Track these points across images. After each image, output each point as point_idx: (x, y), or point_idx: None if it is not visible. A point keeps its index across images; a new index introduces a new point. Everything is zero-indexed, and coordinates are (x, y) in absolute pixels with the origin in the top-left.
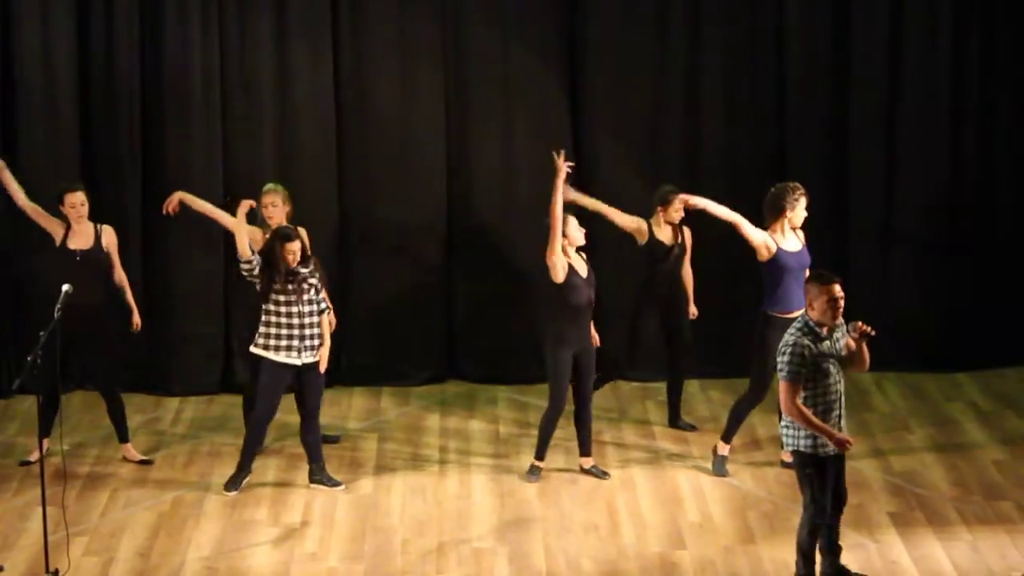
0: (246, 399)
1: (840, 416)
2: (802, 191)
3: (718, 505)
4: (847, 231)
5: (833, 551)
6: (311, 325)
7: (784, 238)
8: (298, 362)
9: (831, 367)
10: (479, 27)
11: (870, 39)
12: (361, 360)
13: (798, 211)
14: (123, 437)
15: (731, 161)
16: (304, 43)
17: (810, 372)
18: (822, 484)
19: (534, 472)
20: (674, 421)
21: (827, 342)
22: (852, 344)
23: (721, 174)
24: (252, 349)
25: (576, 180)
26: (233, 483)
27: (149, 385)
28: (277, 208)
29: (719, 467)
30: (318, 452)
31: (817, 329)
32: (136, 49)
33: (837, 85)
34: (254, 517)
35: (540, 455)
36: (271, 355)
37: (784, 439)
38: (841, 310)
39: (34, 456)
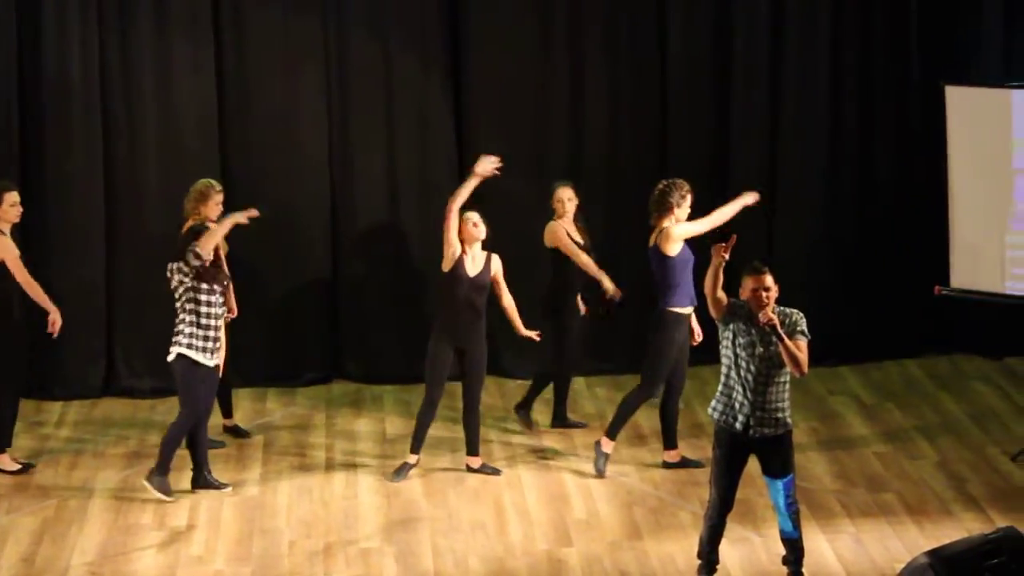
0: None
1: (751, 404)
2: (688, 189)
3: (604, 502)
4: (728, 229)
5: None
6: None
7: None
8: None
9: (746, 351)
10: (361, 28)
11: (751, 41)
12: (246, 361)
13: (684, 209)
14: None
15: (613, 161)
16: (185, 45)
17: (730, 340)
18: (718, 471)
19: (401, 472)
20: (560, 420)
21: (754, 328)
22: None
23: (603, 173)
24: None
25: (460, 180)
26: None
27: (30, 389)
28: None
29: (601, 464)
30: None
31: (748, 307)
32: (14, 52)
33: (719, 86)
34: (139, 521)
35: (413, 448)
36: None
37: None
38: (765, 302)
39: None
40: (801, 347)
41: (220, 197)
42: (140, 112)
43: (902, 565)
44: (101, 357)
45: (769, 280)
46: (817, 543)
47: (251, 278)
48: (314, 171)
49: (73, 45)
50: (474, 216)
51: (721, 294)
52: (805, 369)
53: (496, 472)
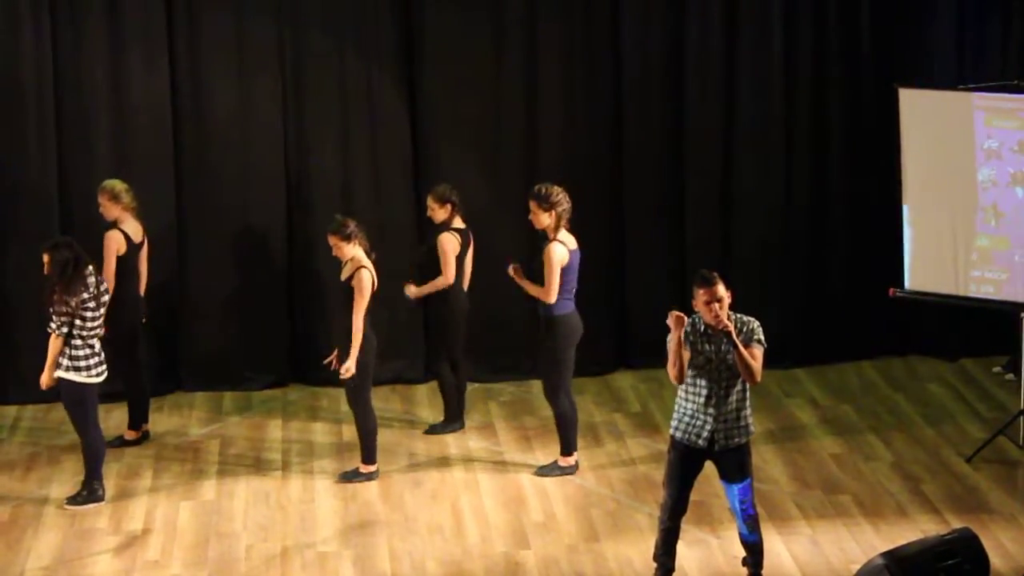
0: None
1: (713, 418)
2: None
3: (561, 504)
4: (683, 232)
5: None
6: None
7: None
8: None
9: (703, 369)
10: (315, 31)
11: (705, 42)
12: (202, 365)
13: None
14: None
15: (569, 164)
16: (139, 47)
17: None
18: (671, 474)
19: (348, 475)
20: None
21: (708, 343)
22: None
23: (558, 175)
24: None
25: (415, 184)
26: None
27: None
28: (103, 208)
29: (550, 470)
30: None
31: (698, 324)
32: None
33: (673, 87)
34: (95, 526)
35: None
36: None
37: None
38: (718, 313)
39: None
40: (756, 355)
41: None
42: (94, 113)
43: (858, 566)
44: None
45: (720, 290)
46: (773, 544)
47: (207, 284)
48: (269, 174)
49: (25, 47)
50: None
51: (684, 359)
52: (759, 377)
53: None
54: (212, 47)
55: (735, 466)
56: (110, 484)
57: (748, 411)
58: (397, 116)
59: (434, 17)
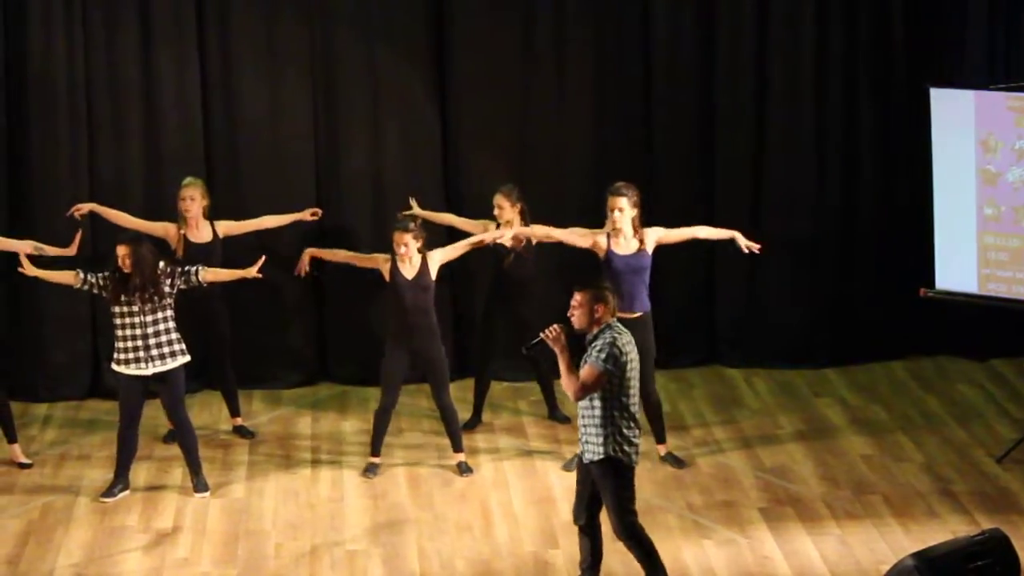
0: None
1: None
2: (611, 193)
3: None
4: None
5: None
6: (156, 334)
7: (617, 240)
8: (147, 372)
9: None
10: (346, 30)
11: (735, 42)
12: (232, 363)
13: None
14: (12, 437)
15: (599, 163)
16: (170, 47)
17: None
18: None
19: (370, 469)
20: (551, 413)
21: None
22: None
23: (589, 175)
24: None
25: (445, 183)
26: (108, 492)
27: (15, 391)
28: (195, 202)
29: (674, 462)
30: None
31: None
32: (0, 56)
33: (703, 88)
34: (125, 523)
35: (374, 451)
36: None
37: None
38: (574, 319)
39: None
40: (585, 372)
41: (184, 192)
42: (126, 116)
43: (887, 567)
44: (87, 359)
45: (575, 300)
46: (803, 544)
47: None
48: (299, 174)
49: (58, 48)
50: (407, 238)
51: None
52: (571, 395)
53: (468, 471)
54: (243, 46)
55: (600, 491)
56: (140, 482)
57: (596, 428)
58: (427, 114)
59: (464, 15)
